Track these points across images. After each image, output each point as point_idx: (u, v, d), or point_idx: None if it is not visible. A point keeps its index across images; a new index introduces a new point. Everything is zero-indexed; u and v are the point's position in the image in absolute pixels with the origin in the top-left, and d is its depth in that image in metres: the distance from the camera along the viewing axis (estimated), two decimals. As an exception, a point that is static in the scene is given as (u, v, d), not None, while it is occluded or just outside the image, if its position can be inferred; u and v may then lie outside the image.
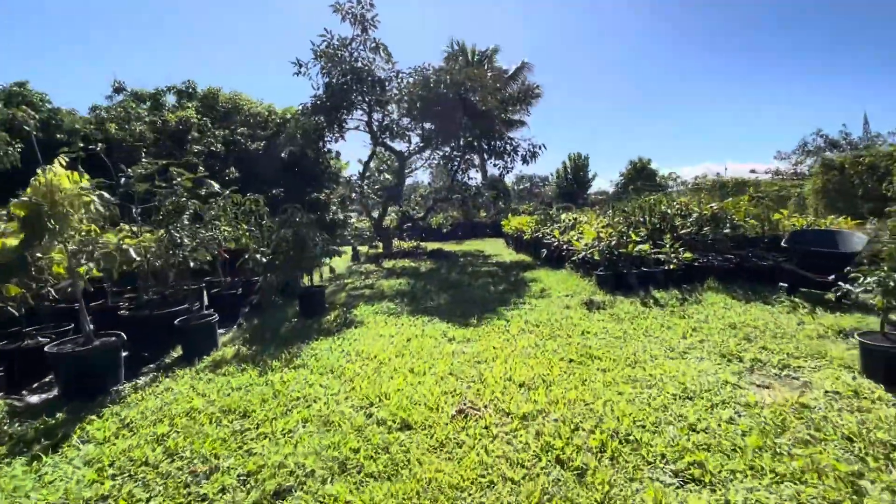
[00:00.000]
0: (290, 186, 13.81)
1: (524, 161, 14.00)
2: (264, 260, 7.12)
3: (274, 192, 12.81)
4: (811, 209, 14.24)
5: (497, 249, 15.95)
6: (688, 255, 7.50)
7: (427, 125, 13.50)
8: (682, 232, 7.94)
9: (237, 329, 6.44)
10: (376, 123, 12.65)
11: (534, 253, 12.43)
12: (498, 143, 13.58)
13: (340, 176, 16.04)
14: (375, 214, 14.96)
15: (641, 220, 8.78)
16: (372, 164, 16.20)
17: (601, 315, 5.99)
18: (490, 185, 21.52)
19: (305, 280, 7.91)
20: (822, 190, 13.00)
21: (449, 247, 17.74)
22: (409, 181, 25.76)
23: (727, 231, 7.58)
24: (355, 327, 6.00)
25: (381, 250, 15.00)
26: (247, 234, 7.42)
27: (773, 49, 66.38)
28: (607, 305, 6.46)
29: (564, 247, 9.81)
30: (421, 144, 13.51)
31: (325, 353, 4.89)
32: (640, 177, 44.39)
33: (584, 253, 8.32)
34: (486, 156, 15.39)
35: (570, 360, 4.37)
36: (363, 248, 15.53)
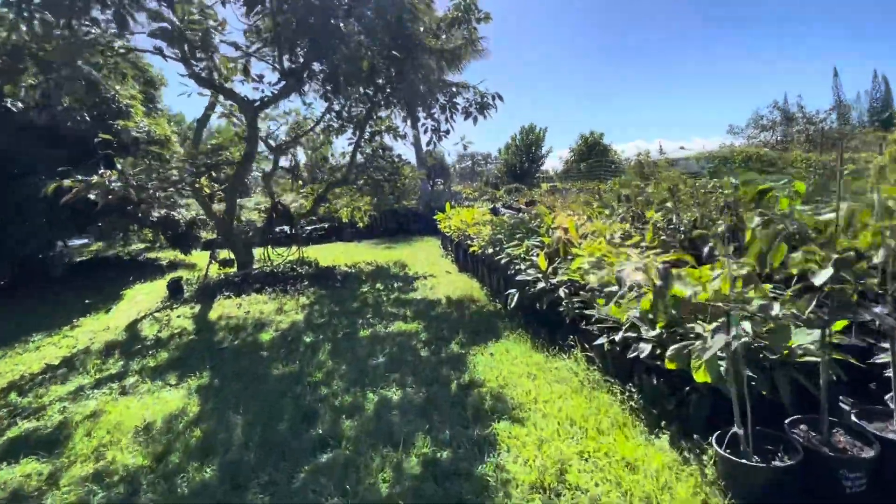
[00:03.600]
0: (28, 160, 7.26)
1: (468, 116, 8.43)
2: None
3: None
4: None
5: (429, 262, 10.33)
6: None
7: (307, 56, 7.41)
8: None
9: None
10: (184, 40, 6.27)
11: (490, 282, 6.99)
12: (422, 86, 7.86)
13: (167, 146, 9.55)
14: (222, 207, 8.75)
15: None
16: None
17: None
18: (421, 160, 15.91)
19: None
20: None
21: (358, 255, 11.85)
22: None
23: None
24: None
25: (230, 270, 8.89)
26: None
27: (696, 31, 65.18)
28: None
29: (562, 294, 4.37)
30: (280, 84, 7.34)
31: None
32: (592, 153, 40.57)
33: (646, 345, 2.92)
34: (417, 109, 9.58)
35: None
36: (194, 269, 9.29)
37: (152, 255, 13.27)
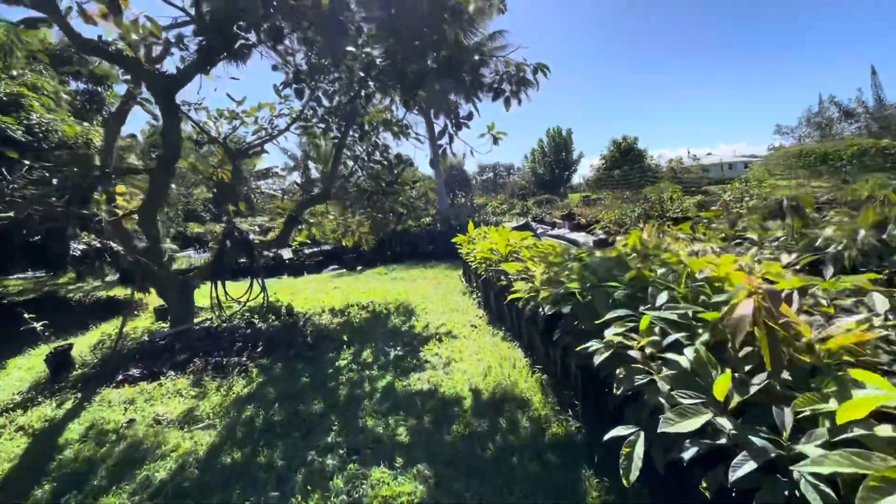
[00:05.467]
0: None
1: (498, 96, 5.65)
2: None
3: None
4: None
5: (447, 306, 7.41)
6: None
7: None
8: None
9: None
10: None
11: (545, 354, 4.05)
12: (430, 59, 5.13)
13: (87, 153, 7.05)
14: (143, 243, 6.12)
15: None
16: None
17: None
18: (434, 162, 13.25)
19: None
20: None
21: (354, 290, 9.03)
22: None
23: None
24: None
25: (156, 328, 6.22)
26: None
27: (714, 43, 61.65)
28: None
29: (812, 498, 1.45)
30: (199, 45, 4.64)
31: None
32: (626, 159, 37.28)
33: None
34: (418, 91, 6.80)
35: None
36: (129, 323, 6.65)
37: (106, 293, 10.80)
